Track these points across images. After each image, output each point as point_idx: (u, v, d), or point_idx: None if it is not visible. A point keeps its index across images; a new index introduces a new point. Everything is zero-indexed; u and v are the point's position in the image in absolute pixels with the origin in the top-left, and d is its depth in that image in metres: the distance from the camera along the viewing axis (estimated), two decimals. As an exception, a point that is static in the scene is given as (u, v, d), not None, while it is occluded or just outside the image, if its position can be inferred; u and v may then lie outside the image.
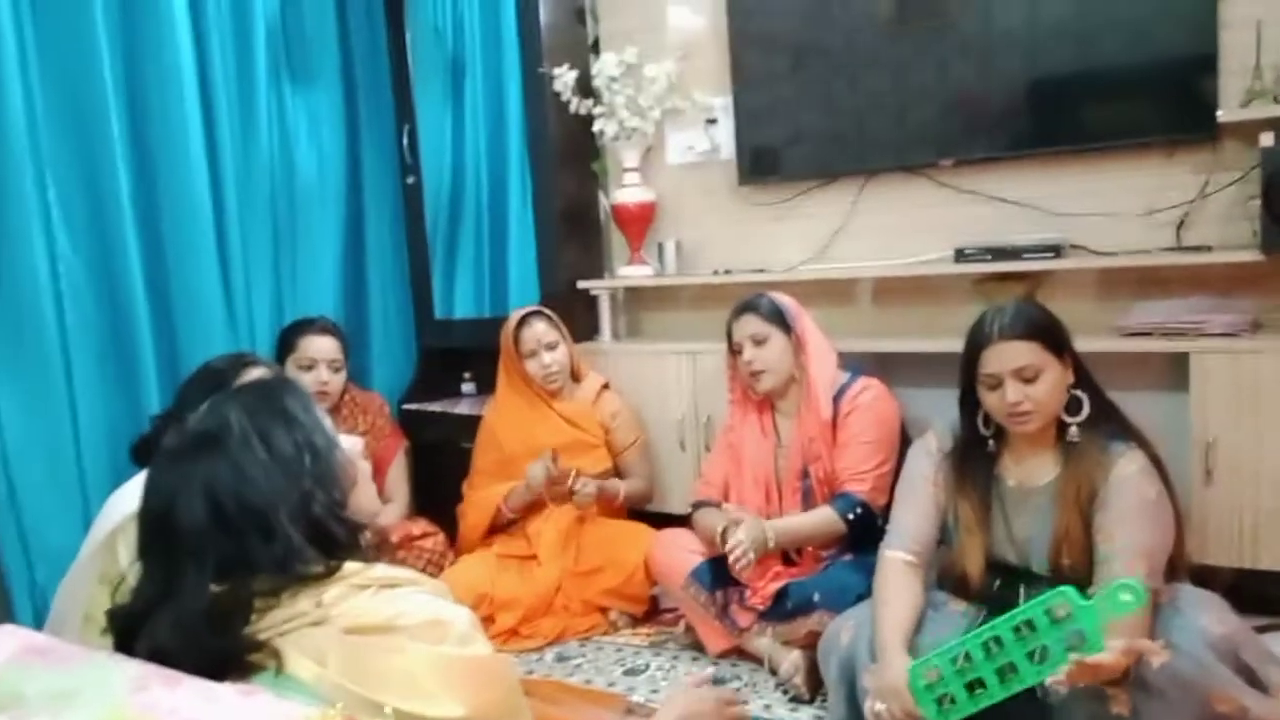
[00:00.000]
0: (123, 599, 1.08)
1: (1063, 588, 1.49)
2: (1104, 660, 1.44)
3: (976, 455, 1.89)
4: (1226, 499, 2.21)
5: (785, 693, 2.19)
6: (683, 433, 2.97)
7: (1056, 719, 1.61)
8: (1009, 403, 1.77)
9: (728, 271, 3.09)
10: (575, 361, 2.91)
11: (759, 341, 2.40)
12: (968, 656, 1.56)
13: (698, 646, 2.45)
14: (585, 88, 3.19)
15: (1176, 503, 1.79)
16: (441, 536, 2.83)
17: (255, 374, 1.96)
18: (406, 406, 3.43)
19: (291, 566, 1.02)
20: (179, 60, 2.74)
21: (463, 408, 3.34)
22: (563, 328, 2.86)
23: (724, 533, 2.26)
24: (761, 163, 3.07)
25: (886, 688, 1.67)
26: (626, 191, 3.22)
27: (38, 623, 2.19)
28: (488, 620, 2.54)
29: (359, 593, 1.03)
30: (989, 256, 2.56)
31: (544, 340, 2.81)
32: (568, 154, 3.25)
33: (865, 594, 1.94)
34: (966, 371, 1.85)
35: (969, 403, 1.88)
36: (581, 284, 3.24)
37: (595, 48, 3.31)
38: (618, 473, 2.87)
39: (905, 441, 2.30)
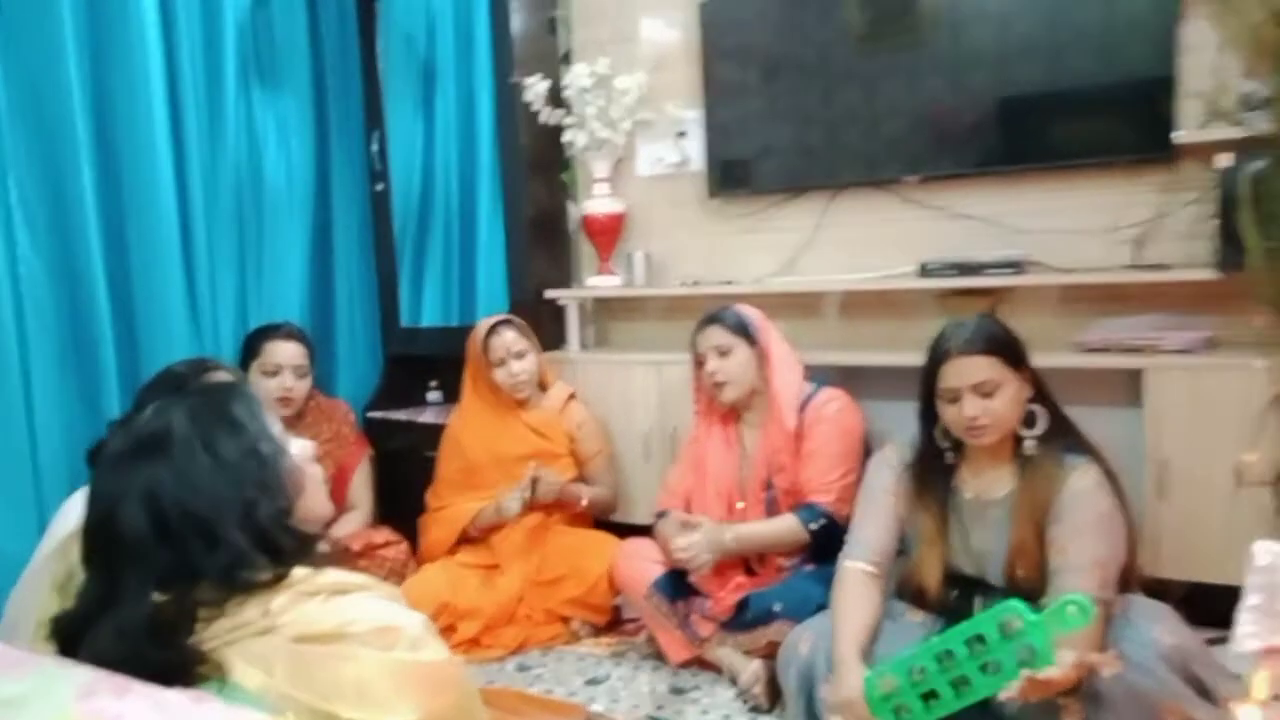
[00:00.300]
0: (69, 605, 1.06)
1: (1012, 602, 1.50)
2: (1056, 675, 1.46)
3: (935, 468, 1.92)
4: (1179, 513, 2.25)
5: (745, 702, 2.20)
6: (648, 443, 2.97)
7: (1009, 729, 1.63)
8: (966, 417, 1.79)
9: (696, 283, 3.10)
10: (543, 371, 2.91)
11: (723, 353, 2.41)
12: (922, 669, 1.57)
13: (659, 656, 2.45)
14: (556, 98, 3.20)
15: (1130, 516, 1.82)
16: (404, 545, 2.81)
17: (217, 379, 1.94)
18: (371, 414, 3.41)
19: (236, 575, 1.01)
20: (147, 62, 2.71)
21: (428, 416, 3.32)
22: (532, 337, 2.86)
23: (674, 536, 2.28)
24: (731, 175, 3.09)
25: (842, 700, 1.68)
26: (596, 202, 3.22)
27: (-10, 630, 2.15)
28: (449, 630, 2.53)
29: (308, 600, 1.02)
30: (953, 271, 2.59)
31: (513, 349, 2.80)
32: (538, 163, 3.26)
33: (826, 604, 1.95)
34: (926, 385, 1.88)
35: (928, 416, 1.90)
36: (550, 294, 3.24)
37: (567, 58, 3.33)
38: (583, 483, 2.87)
39: (869, 453, 2.32)
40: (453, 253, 3.48)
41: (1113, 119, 2.52)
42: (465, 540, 2.80)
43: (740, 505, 2.43)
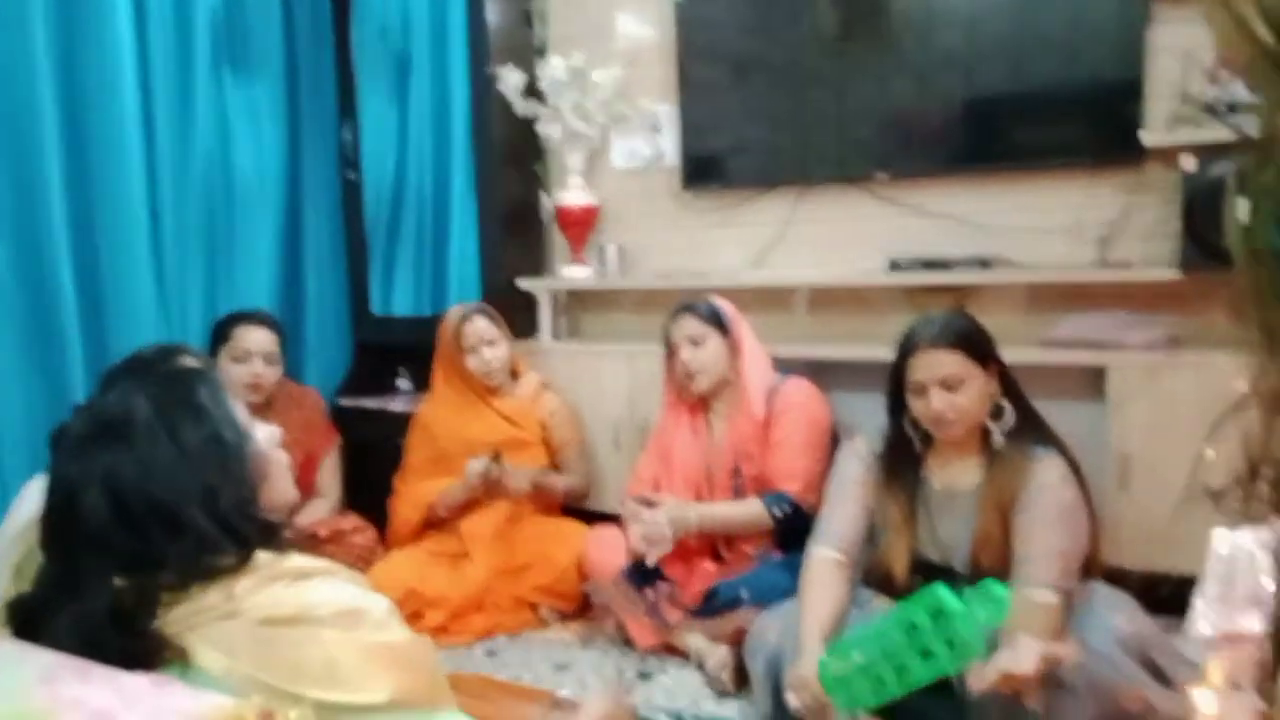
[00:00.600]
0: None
1: (934, 587, 1.50)
2: (1021, 667, 1.48)
3: (904, 458, 1.94)
4: (1140, 505, 2.29)
5: (712, 687, 2.22)
6: (618, 433, 2.98)
7: (971, 715, 1.65)
8: (933, 410, 1.82)
9: (668, 276, 3.11)
10: (514, 360, 2.91)
11: (696, 342, 2.43)
12: (866, 654, 1.59)
13: (627, 642, 2.46)
14: (532, 90, 3.19)
15: (1092, 507, 1.86)
16: (372, 532, 2.81)
17: (184, 365, 1.92)
18: (341, 402, 3.39)
19: (199, 561, 0.99)
20: (118, 48, 2.68)
21: (398, 405, 3.31)
22: (503, 325, 2.86)
23: (633, 514, 2.31)
24: (704, 170, 3.11)
25: (798, 679, 1.70)
26: (570, 194, 3.22)
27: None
28: (415, 617, 2.52)
29: (272, 584, 1.01)
30: (922, 268, 2.62)
31: (485, 336, 2.81)
32: (512, 155, 3.25)
33: (793, 592, 1.97)
34: (895, 378, 1.90)
35: (897, 407, 1.93)
36: (522, 284, 3.24)
37: (542, 51, 3.32)
38: (555, 471, 2.87)
39: (836, 445, 2.34)
40: (425, 242, 3.47)
41: (1080, 121, 2.55)
42: (433, 526, 2.80)
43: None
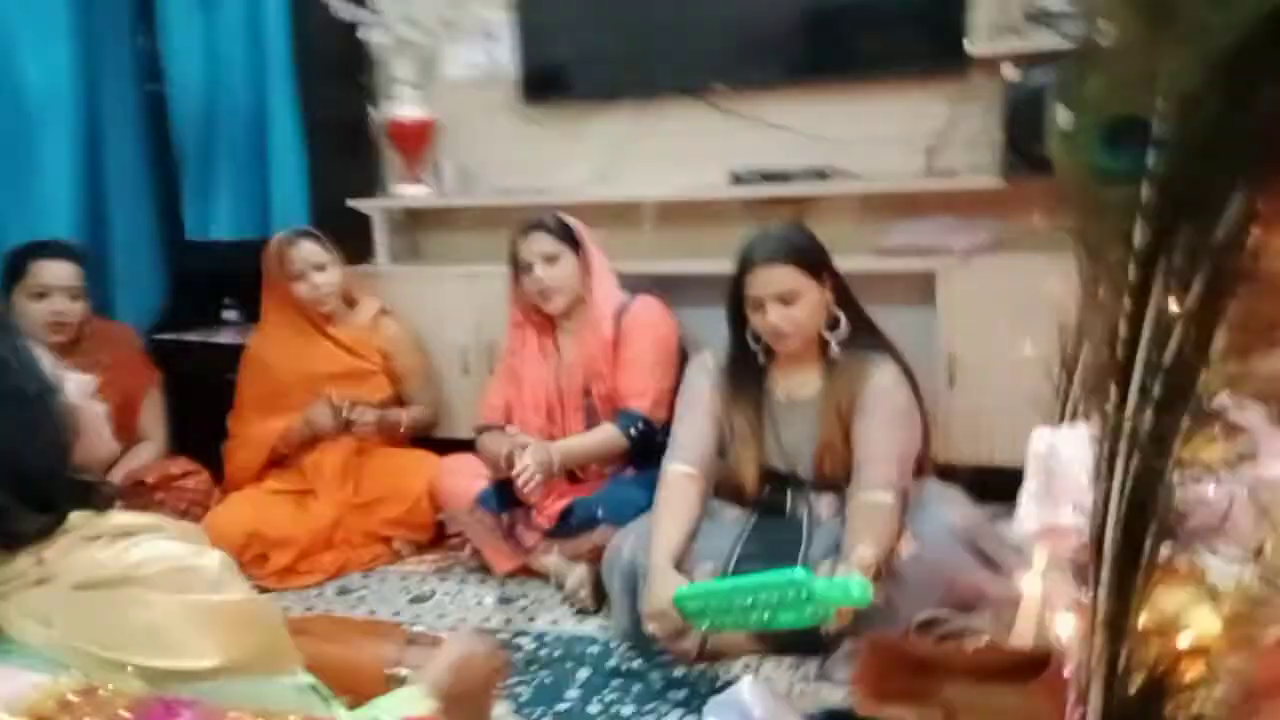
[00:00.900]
0: None
1: (795, 572, 1.55)
2: (858, 578, 1.55)
3: (748, 371, 1.99)
4: (967, 403, 2.43)
5: (572, 606, 2.24)
6: (465, 357, 2.91)
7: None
8: (770, 324, 1.86)
9: (509, 192, 3.02)
10: (348, 285, 2.77)
11: (550, 259, 2.37)
12: (727, 601, 1.63)
13: (484, 569, 2.45)
14: (354, -7, 2.98)
15: (924, 408, 1.96)
16: (205, 475, 2.65)
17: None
18: (159, 337, 3.15)
19: (2, 528, 0.91)
20: None
21: (225, 336, 3.12)
22: (333, 249, 2.71)
23: (509, 456, 2.26)
24: (544, 82, 3.00)
25: (655, 610, 1.75)
26: (402, 107, 3.06)
27: None
28: (260, 560, 2.42)
29: (88, 545, 0.93)
30: (761, 180, 2.64)
31: (313, 261, 2.66)
32: (336, 65, 3.06)
33: (648, 508, 2.00)
34: (734, 293, 1.93)
35: (738, 321, 1.96)
36: (353, 204, 3.08)
37: (364, -50, 3.09)
38: (399, 400, 2.79)
39: (685, 360, 2.36)
40: (243, 160, 3.20)
41: (909, 30, 2.61)
42: (275, 464, 2.68)
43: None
